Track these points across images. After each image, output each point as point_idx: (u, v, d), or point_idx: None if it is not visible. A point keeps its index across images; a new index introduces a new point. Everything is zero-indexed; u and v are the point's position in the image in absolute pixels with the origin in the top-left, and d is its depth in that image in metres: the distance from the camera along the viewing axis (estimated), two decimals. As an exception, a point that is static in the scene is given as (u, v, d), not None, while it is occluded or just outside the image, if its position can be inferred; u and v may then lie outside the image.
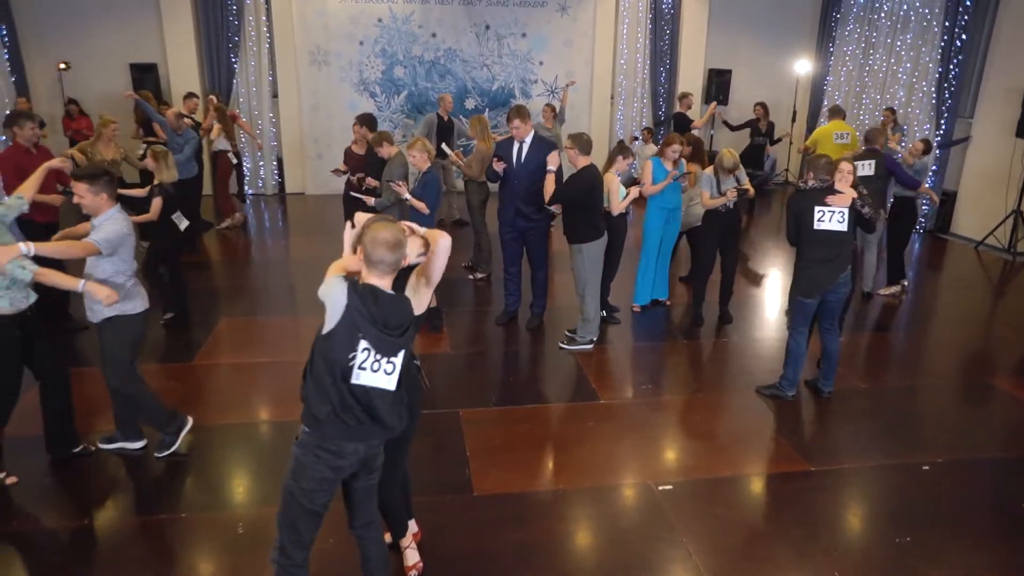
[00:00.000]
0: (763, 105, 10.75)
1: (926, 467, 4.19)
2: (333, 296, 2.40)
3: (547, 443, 4.41)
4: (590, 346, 5.68)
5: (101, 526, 3.56)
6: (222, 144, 9.14)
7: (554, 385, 5.23)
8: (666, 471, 4.12)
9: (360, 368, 2.45)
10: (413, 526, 3.34)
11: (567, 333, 5.80)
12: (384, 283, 2.49)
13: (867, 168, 6.64)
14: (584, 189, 5.33)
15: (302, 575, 2.72)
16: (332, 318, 2.42)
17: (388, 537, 3.20)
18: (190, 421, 4.24)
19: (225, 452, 4.26)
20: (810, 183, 4.67)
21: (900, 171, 6.83)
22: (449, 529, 3.53)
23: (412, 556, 3.25)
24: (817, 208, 4.55)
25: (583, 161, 5.38)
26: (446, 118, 9.06)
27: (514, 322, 6.23)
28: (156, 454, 4.10)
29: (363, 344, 2.43)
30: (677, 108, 10.62)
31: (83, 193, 3.71)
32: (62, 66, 10.29)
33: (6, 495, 3.75)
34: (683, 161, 6.27)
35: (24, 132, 5.52)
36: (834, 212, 4.54)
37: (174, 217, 5.78)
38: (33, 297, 3.75)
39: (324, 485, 2.58)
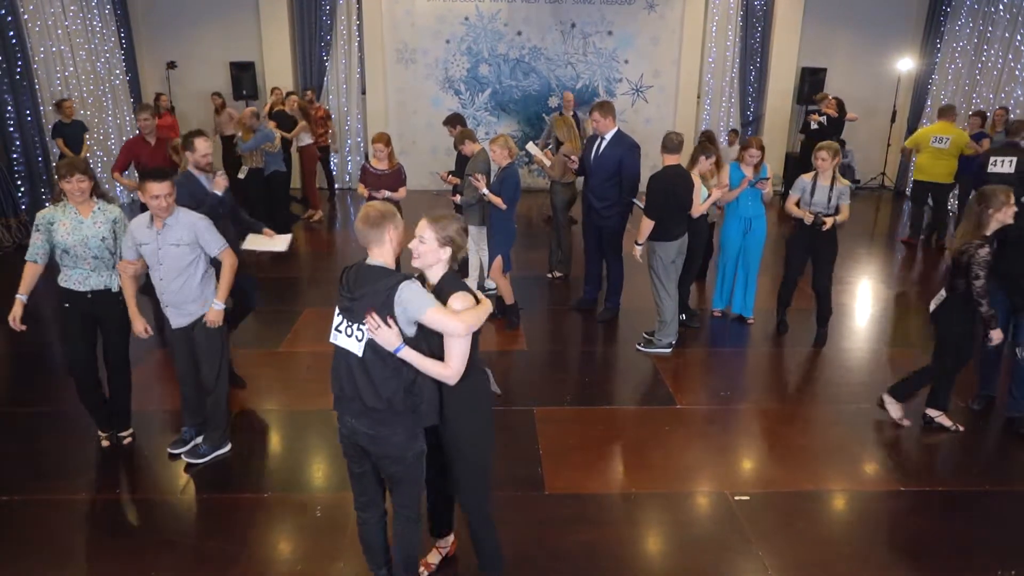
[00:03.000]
0: (836, 99, 10.22)
1: (1033, 495, 3.88)
2: None
3: (621, 445, 4.35)
4: (668, 350, 5.57)
5: (188, 500, 3.75)
6: (306, 139, 9.53)
7: (630, 387, 5.16)
8: (743, 481, 3.99)
9: (336, 330, 2.69)
10: (449, 539, 3.28)
11: (645, 335, 5.71)
12: (372, 255, 2.62)
13: (1006, 165, 6.11)
14: (660, 189, 5.23)
15: (361, 530, 2.92)
16: None
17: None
18: (229, 446, 4.16)
19: (306, 437, 4.41)
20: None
21: None
22: (519, 526, 3.53)
23: (433, 556, 3.25)
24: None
25: (669, 160, 5.28)
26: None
27: (591, 321, 6.19)
28: (187, 459, 4.03)
29: (338, 308, 2.68)
30: (824, 110, 10.02)
31: (169, 191, 3.62)
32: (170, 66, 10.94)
33: (108, 465, 4.02)
34: (765, 166, 5.92)
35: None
36: None
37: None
38: (111, 282, 3.87)
39: (344, 450, 2.80)
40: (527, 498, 3.76)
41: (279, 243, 4.75)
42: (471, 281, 6.69)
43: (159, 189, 3.58)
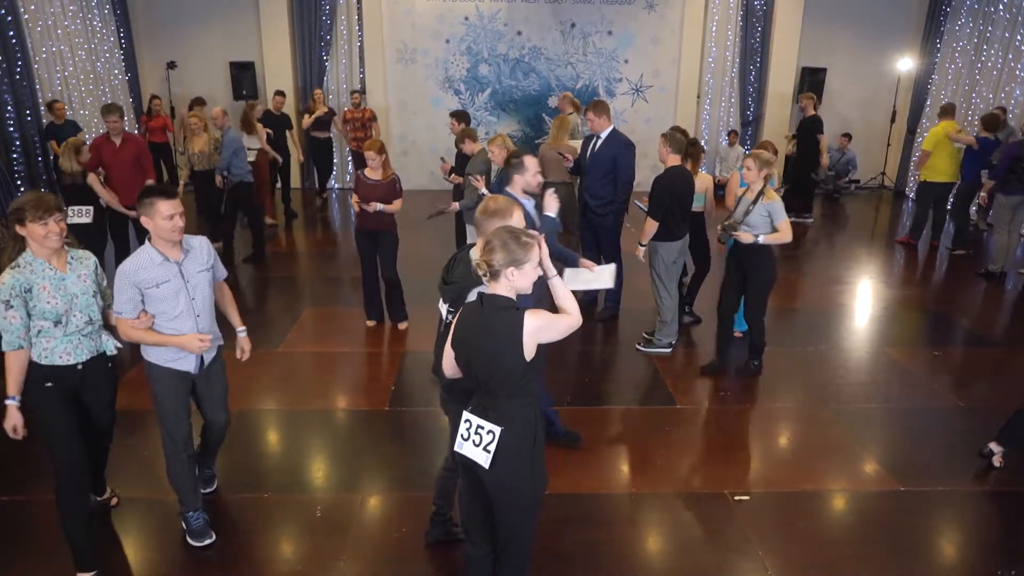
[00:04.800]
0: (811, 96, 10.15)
1: (1032, 495, 3.88)
2: None
3: (621, 445, 4.35)
4: (668, 350, 5.57)
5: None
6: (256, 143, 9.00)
7: (630, 387, 5.15)
8: (743, 481, 3.99)
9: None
10: None
11: (644, 335, 5.71)
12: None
13: None
14: (665, 189, 5.22)
15: None
16: None
17: None
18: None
19: (306, 437, 4.41)
20: None
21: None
22: (519, 526, 3.53)
23: None
24: None
25: (673, 160, 5.26)
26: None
27: (590, 320, 6.19)
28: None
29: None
30: (807, 110, 9.76)
31: (182, 209, 3.08)
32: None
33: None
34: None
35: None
36: None
37: (72, 209, 5.88)
38: (104, 344, 3.13)
39: None
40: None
41: (605, 277, 4.45)
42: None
43: (172, 208, 2.95)
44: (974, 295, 7.23)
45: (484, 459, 2.47)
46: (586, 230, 6.16)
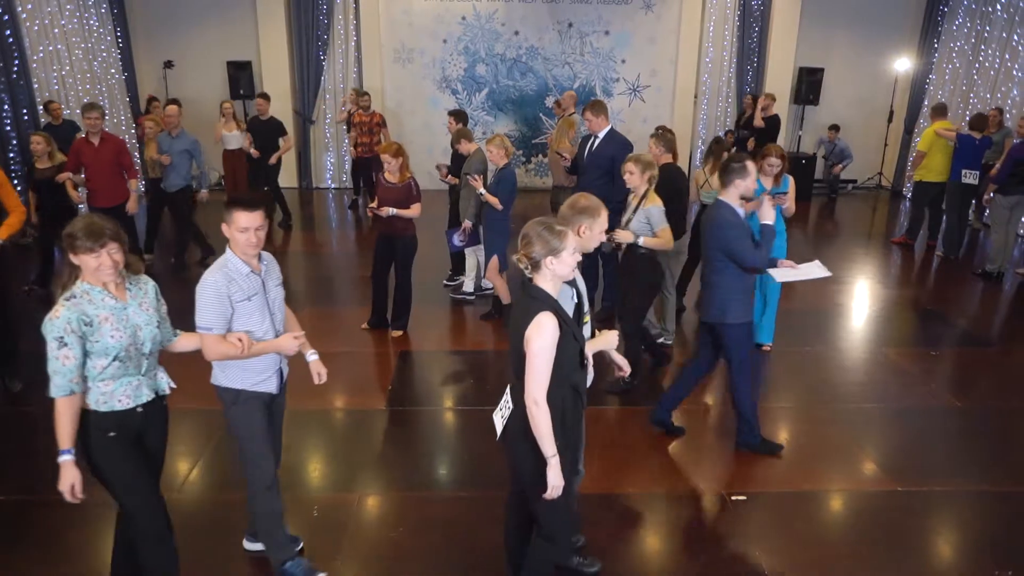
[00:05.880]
0: (754, 97, 10.28)
1: (1029, 494, 3.89)
2: None
3: (617, 446, 4.35)
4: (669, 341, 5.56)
5: (186, 499, 3.74)
6: (234, 143, 8.97)
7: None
8: (741, 481, 3.99)
9: None
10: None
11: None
12: None
13: None
14: (667, 189, 5.20)
15: None
16: None
17: None
18: None
19: (306, 437, 4.39)
20: None
21: None
22: (516, 526, 3.53)
23: None
24: None
25: (664, 159, 5.28)
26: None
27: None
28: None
29: None
30: (760, 111, 9.96)
31: (263, 222, 2.81)
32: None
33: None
34: (787, 178, 5.34)
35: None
36: None
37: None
38: (161, 383, 2.76)
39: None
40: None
41: (814, 269, 4.41)
42: (468, 281, 6.70)
43: (250, 220, 2.73)
44: (971, 295, 7.24)
45: (499, 428, 2.70)
46: None
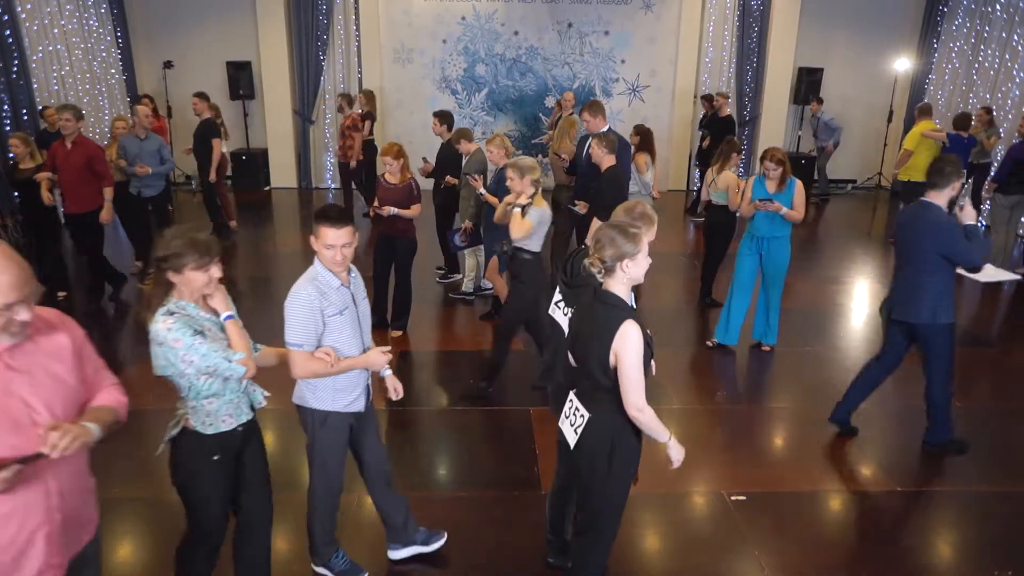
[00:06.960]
0: (714, 95, 10.25)
1: (1028, 494, 3.89)
2: None
3: (617, 445, 4.35)
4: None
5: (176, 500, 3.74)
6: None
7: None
8: (740, 481, 3.99)
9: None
10: None
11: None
12: None
13: None
14: (611, 191, 5.19)
15: None
16: None
17: None
18: None
19: (301, 437, 4.36)
20: None
21: None
22: (515, 525, 3.54)
23: None
24: None
25: (608, 161, 5.26)
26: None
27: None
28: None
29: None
30: (718, 109, 9.92)
31: (352, 239, 2.71)
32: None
33: (107, 463, 4.00)
34: (793, 181, 5.25)
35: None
36: None
37: None
38: (257, 397, 2.72)
39: None
40: (524, 498, 3.76)
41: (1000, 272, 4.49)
42: (467, 281, 6.70)
43: (336, 238, 2.63)
44: (971, 295, 7.24)
45: (572, 439, 2.66)
46: (581, 228, 6.14)
